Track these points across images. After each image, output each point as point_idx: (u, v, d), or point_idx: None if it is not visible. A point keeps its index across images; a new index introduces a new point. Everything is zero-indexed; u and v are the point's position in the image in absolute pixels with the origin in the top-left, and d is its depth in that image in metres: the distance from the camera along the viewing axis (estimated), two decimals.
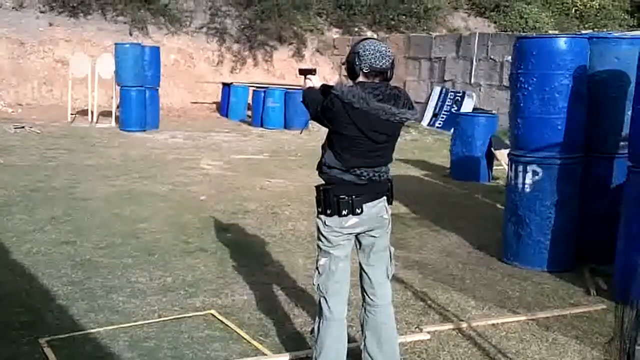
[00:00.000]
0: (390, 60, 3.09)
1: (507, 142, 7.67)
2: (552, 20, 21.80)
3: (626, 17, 23.69)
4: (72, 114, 14.94)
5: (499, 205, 7.38)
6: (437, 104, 16.31)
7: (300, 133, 3.71)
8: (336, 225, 3.13)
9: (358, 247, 3.29)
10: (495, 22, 22.17)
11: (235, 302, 4.46)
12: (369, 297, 3.29)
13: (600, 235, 5.36)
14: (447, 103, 16.08)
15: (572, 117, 5.27)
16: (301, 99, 3.30)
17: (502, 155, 8.74)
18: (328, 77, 17.77)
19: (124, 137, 12.79)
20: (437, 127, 15.73)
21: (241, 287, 4.76)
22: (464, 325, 4.19)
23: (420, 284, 4.97)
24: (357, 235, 3.22)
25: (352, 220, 3.12)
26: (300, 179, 8.86)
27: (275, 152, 11.72)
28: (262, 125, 15.20)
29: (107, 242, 5.75)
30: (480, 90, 15.64)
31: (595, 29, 19.20)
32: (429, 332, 4.04)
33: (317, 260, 3.24)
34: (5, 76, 16.79)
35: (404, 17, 21.14)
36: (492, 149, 9.51)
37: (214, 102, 18.25)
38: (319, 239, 3.20)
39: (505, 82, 14.08)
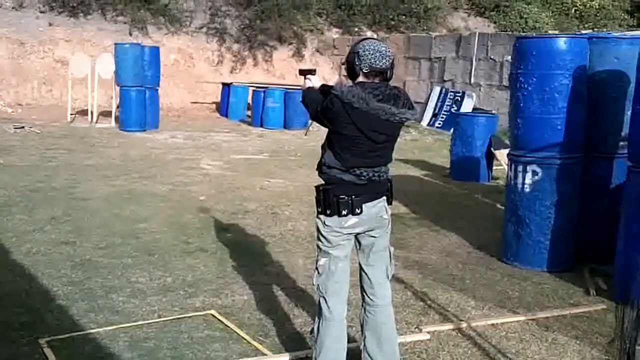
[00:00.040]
0: (390, 60, 3.09)
1: (507, 142, 7.67)
2: (552, 20, 21.80)
3: (626, 17, 23.70)
4: (72, 114, 14.94)
5: (498, 206, 7.38)
6: (437, 104, 16.31)
7: (306, 134, 3.65)
8: (336, 225, 3.13)
9: (358, 247, 3.29)
10: (495, 22, 22.18)
11: (235, 302, 4.46)
12: (368, 297, 3.29)
13: (600, 235, 5.37)
14: (446, 103, 16.07)
15: (571, 117, 5.27)
16: (301, 99, 3.30)
17: (502, 155, 8.74)
18: (328, 77, 17.77)
19: (123, 137, 12.79)
20: (437, 127, 15.73)
21: (241, 287, 4.76)
22: (463, 325, 4.19)
23: (420, 284, 4.97)
24: (356, 236, 3.22)
25: (352, 220, 3.12)
26: (300, 179, 8.86)
27: (275, 152, 11.72)
28: (262, 125, 15.20)
29: (107, 242, 5.75)
30: (480, 90, 15.64)
31: (595, 29, 19.20)
32: (428, 332, 4.04)
33: (317, 261, 3.24)
34: (5, 76, 16.79)
35: (403, 17, 21.14)
36: (492, 149, 9.51)
37: (214, 102, 18.25)
38: (319, 239, 3.20)
39: (505, 82, 14.08)
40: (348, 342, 3.31)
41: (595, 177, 5.55)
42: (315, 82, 3.32)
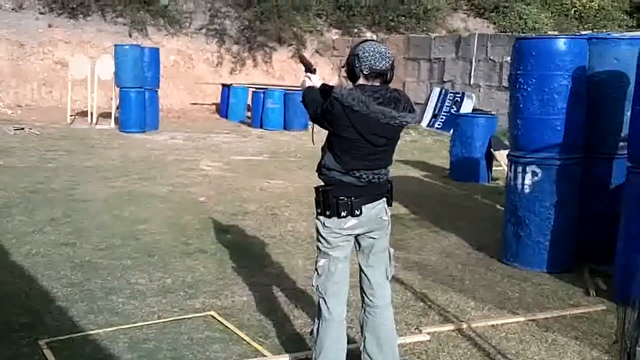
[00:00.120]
0: (390, 62, 3.08)
1: (507, 142, 7.67)
2: (551, 21, 21.81)
3: (625, 17, 23.70)
4: (71, 116, 14.94)
5: (498, 206, 7.38)
6: (436, 105, 16.31)
7: (314, 143, 3.57)
8: (335, 226, 3.12)
9: (357, 248, 3.28)
10: (494, 23, 22.18)
11: (235, 304, 4.46)
12: (368, 298, 3.29)
13: (599, 235, 5.36)
14: (446, 104, 16.08)
15: (571, 117, 5.28)
16: (300, 99, 3.30)
17: (502, 156, 8.74)
18: (327, 79, 17.77)
19: (123, 138, 12.79)
20: (437, 128, 15.73)
21: (241, 289, 4.75)
22: (463, 326, 4.19)
23: (419, 285, 4.97)
24: (356, 237, 3.22)
25: (351, 221, 3.11)
26: (300, 180, 8.86)
27: (274, 153, 11.73)
28: (261, 127, 15.20)
29: (106, 243, 5.75)
30: (479, 91, 15.65)
31: (595, 30, 19.20)
32: (428, 333, 4.04)
33: (316, 262, 3.24)
34: (4, 78, 16.79)
35: (403, 18, 21.15)
36: (492, 149, 9.52)
37: (214, 103, 18.26)
38: (318, 240, 3.20)
39: (505, 83, 14.08)
40: (348, 343, 3.31)
41: (595, 177, 5.55)
42: (315, 81, 3.31)
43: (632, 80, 4.90)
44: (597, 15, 23.41)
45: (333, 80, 18.03)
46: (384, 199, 3.23)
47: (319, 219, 3.17)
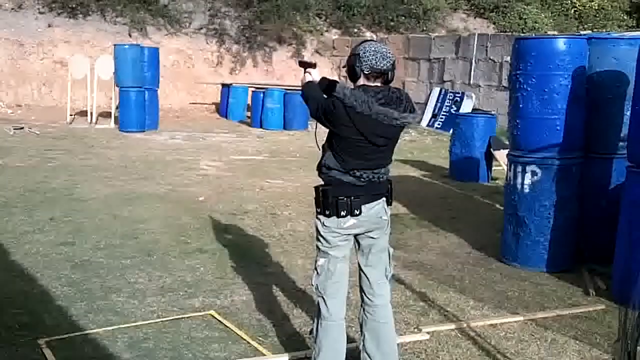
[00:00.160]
0: (391, 62, 3.07)
1: (506, 142, 7.68)
2: (551, 20, 21.80)
3: (625, 17, 23.69)
4: (71, 115, 14.95)
5: (498, 206, 7.39)
6: (436, 105, 16.31)
7: (318, 149, 3.52)
8: (335, 226, 3.12)
9: (357, 247, 3.28)
10: (494, 23, 22.18)
11: (235, 303, 4.46)
12: (367, 297, 3.29)
13: (599, 235, 5.36)
14: (446, 104, 16.08)
15: (571, 117, 5.27)
16: (300, 94, 3.29)
17: (501, 155, 8.74)
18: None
19: (123, 138, 12.79)
20: (437, 128, 15.73)
21: (240, 288, 4.75)
22: (463, 325, 4.19)
23: (419, 284, 4.97)
24: (356, 236, 3.22)
25: (351, 221, 3.11)
26: (299, 180, 8.86)
27: (274, 153, 11.73)
28: (261, 126, 15.20)
29: (106, 243, 5.75)
30: (479, 90, 15.65)
31: (594, 30, 19.21)
32: (428, 333, 4.04)
33: (316, 261, 3.24)
34: (4, 77, 16.80)
35: (403, 18, 21.15)
36: (491, 149, 9.52)
37: (213, 103, 18.26)
38: (318, 240, 3.20)
39: (505, 83, 14.09)
40: (347, 342, 3.31)
41: (595, 177, 5.55)
42: (315, 76, 3.31)
43: (631, 80, 4.90)
44: (597, 15, 23.41)
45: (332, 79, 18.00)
46: (384, 198, 3.23)
47: (318, 219, 3.17)
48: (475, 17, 22.69)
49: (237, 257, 5.45)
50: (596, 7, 23.41)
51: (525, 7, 21.88)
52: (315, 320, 3.25)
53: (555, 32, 17.31)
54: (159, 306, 4.35)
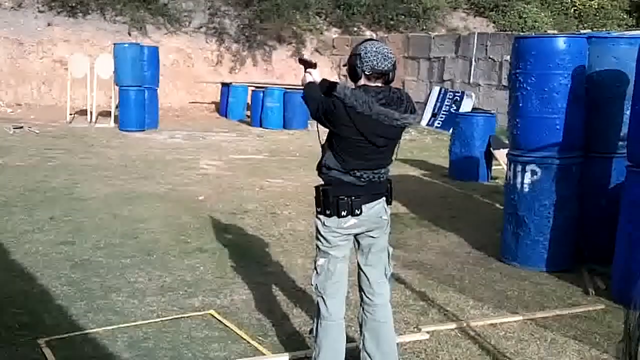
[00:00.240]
0: (392, 62, 3.06)
1: (506, 141, 7.68)
2: (551, 20, 21.79)
3: (625, 16, 23.68)
4: (71, 114, 14.94)
5: (498, 205, 7.38)
6: (436, 104, 16.30)
7: (320, 145, 3.49)
8: (335, 225, 3.12)
9: (357, 247, 3.28)
10: (494, 22, 22.17)
11: (234, 302, 4.46)
12: (367, 297, 3.29)
13: (599, 235, 5.36)
14: (446, 103, 16.07)
15: (570, 117, 5.27)
16: (301, 95, 3.29)
17: (501, 155, 8.74)
18: (327, 78, 17.75)
19: (122, 137, 12.79)
20: (436, 127, 15.73)
21: (240, 287, 4.76)
22: (462, 325, 4.19)
23: (419, 284, 4.97)
24: (355, 236, 3.22)
25: (351, 221, 3.11)
26: (299, 179, 8.86)
27: (274, 152, 11.73)
28: (261, 126, 15.19)
29: (105, 242, 5.75)
30: (479, 90, 15.65)
31: (594, 29, 19.21)
32: (427, 332, 4.04)
33: (316, 261, 3.24)
34: (4, 76, 16.79)
35: (403, 16, 21.13)
36: (491, 148, 9.52)
37: (213, 102, 18.25)
38: (318, 239, 3.20)
39: (504, 82, 14.07)
40: (347, 341, 3.31)
41: (594, 176, 5.55)
42: (316, 76, 3.31)
43: (631, 79, 4.90)
44: (597, 14, 23.40)
45: (332, 80, 18.01)
46: (384, 198, 3.22)
47: (318, 218, 3.17)
48: (475, 16, 22.68)
49: (237, 257, 5.45)
50: (596, 6, 23.40)
51: (525, 6, 21.87)
52: (315, 320, 3.25)
53: (555, 31, 17.31)
54: (159, 306, 4.35)
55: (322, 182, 3.17)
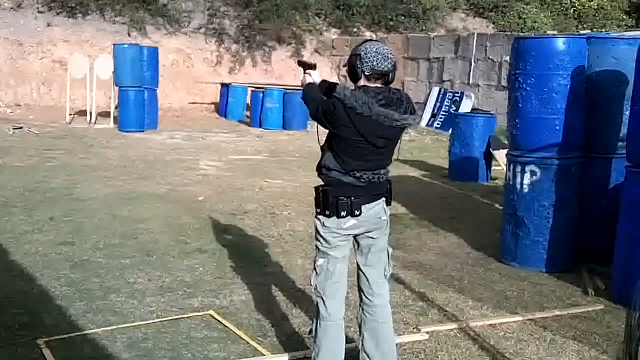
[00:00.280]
0: (393, 63, 3.06)
1: (506, 142, 7.68)
2: (550, 20, 21.81)
3: (624, 17, 23.70)
4: (70, 115, 14.95)
5: (497, 206, 7.39)
6: (435, 105, 16.32)
7: (320, 145, 3.46)
8: (335, 226, 3.12)
9: (356, 248, 3.28)
10: (494, 23, 22.19)
11: (234, 303, 4.46)
12: (366, 297, 3.29)
13: (598, 235, 5.37)
14: (445, 104, 16.08)
15: (570, 117, 5.28)
16: (301, 96, 3.29)
17: (501, 155, 8.75)
18: (327, 79, 17.76)
19: (122, 137, 12.79)
20: (436, 128, 15.74)
21: (240, 288, 4.75)
22: (462, 325, 4.19)
23: (418, 284, 4.97)
24: (355, 237, 3.22)
25: (351, 222, 3.11)
26: (299, 180, 8.86)
27: (273, 153, 11.73)
28: (260, 126, 15.20)
29: (105, 243, 5.75)
30: (479, 90, 15.65)
31: (594, 30, 19.22)
32: (427, 333, 4.04)
33: (315, 261, 3.24)
34: (3, 77, 16.80)
35: (402, 17, 21.15)
36: (491, 149, 9.52)
37: (213, 103, 18.26)
38: (318, 240, 3.20)
39: (504, 83, 14.09)
40: (346, 342, 3.31)
41: (594, 177, 5.55)
42: (315, 77, 3.31)
43: (631, 80, 4.90)
44: (597, 15, 23.42)
45: (332, 80, 18.02)
46: (384, 199, 3.22)
47: (318, 219, 3.16)
48: (474, 17, 22.70)
49: (237, 257, 5.45)
50: (596, 7, 23.42)
51: (525, 7, 21.89)
52: (315, 321, 3.25)
53: (555, 32, 17.31)
54: (159, 306, 4.35)
55: (322, 183, 3.18)
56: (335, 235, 3.13)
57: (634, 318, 2.55)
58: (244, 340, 3.86)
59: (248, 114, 16.44)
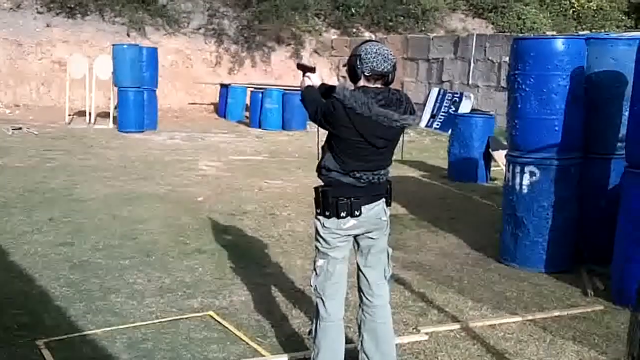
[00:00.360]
0: (392, 64, 3.06)
1: (505, 143, 7.69)
2: (549, 21, 21.82)
3: (623, 18, 23.72)
4: (69, 115, 14.94)
5: (497, 206, 7.39)
6: (434, 105, 16.32)
7: (318, 154, 3.44)
8: (335, 227, 3.12)
9: (356, 248, 3.28)
10: (493, 23, 22.20)
11: (233, 303, 4.46)
12: (366, 298, 3.29)
13: (597, 236, 5.37)
14: (444, 104, 16.08)
15: (569, 118, 5.28)
16: (300, 98, 3.29)
17: (500, 156, 8.75)
18: (325, 79, 17.73)
19: (121, 138, 12.78)
20: (435, 128, 15.74)
21: (239, 288, 4.75)
22: (462, 326, 4.19)
23: (418, 284, 4.97)
24: (355, 237, 3.22)
25: (351, 222, 3.11)
26: (298, 180, 8.87)
27: (273, 153, 11.73)
28: (260, 127, 15.20)
29: (105, 243, 5.75)
30: (478, 91, 15.66)
31: (593, 30, 19.23)
32: (426, 333, 4.04)
33: (315, 262, 3.24)
34: (2, 77, 16.79)
35: (402, 18, 21.16)
36: (490, 150, 9.52)
37: (212, 103, 18.26)
38: (317, 240, 3.20)
39: (503, 83, 14.10)
40: (346, 342, 3.31)
41: (593, 178, 5.55)
42: (315, 80, 3.31)
43: (630, 80, 4.91)
44: (595, 15, 23.44)
45: (331, 81, 18.01)
46: (383, 199, 3.23)
47: (318, 219, 3.17)
48: (473, 18, 22.71)
49: (236, 258, 5.45)
50: (594, 8, 23.44)
51: (524, 7, 21.90)
52: (314, 321, 3.25)
53: (554, 33, 17.32)
54: (158, 307, 4.35)
55: (322, 183, 3.18)
56: (335, 235, 3.13)
57: (635, 319, 2.55)
58: (243, 340, 3.86)
59: (247, 114, 16.44)
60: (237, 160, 10.80)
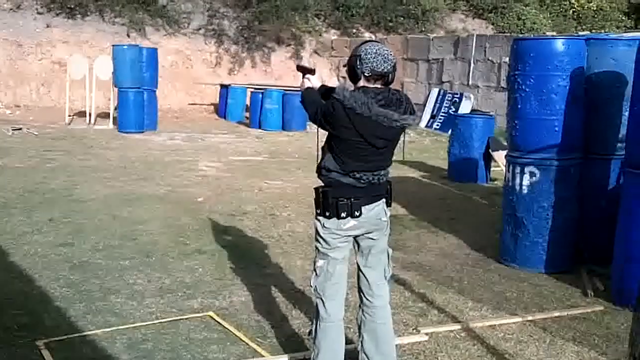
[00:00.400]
0: (392, 64, 3.06)
1: (505, 143, 7.69)
2: (549, 21, 21.83)
3: (623, 18, 23.73)
4: (69, 116, 14.94)
5: (497, 207, 7.38)
6: (434, 106, 16.32)
7: (317, 156, 3.47)
8: (335, 227, 3.12)
9: (356, 248, 3.28)
10: (493, 24, 22.21)
11: (233, 304, 4.46)
12: (366, 298, 3.29)
13: (598, 236, 5.37)
14: (444, 104, 16.08)
15: (569, 118, 5.28)
16: (300, 100, 3.30)
17: (500, 156, 8.75)
18: (325, 79, 17.72)
19: (121, 138, 12.78)
20: (435, 129, 15.74)
21: (239, 289, 4.75)
22: (462, 326, 4.19)
23: (418, 285, 4.97)
24: (355, 237, 3.22)
25: (351, 222, 3.11)
26: (298, 181, 8.87)
27: (273, 154, 11.73)
28: (260, 127, 15.20)
29: (105, 244, 5.75)
30: (478, 91, 15.66)
31: (593, 31, 19.23)
32: (426, 334, 4.04)
33: (315, 262, 3.24)
34: (2, 78, 16.79)
35: (402, 18, 21.17)
36: (490, 150, 9.53)
37: (212, 104, 18.26)
38: (317, 241, 3.20)
39: (503, 84, 14.10)
40: (346, 343, 3.31)
41: (593, 178, 5.55)
42: (314, 82, 3.31)
43: (629, 80, 4.91)
44: (595, 16, 23.45)
45: (331, 81, 18.00)
46: (383, 200, 3.23)
47: (318, 220, 3.17)
48: (473, 18, 22.72)
49: (236, 258, 5.45)
50: (594, 8, 23.44)
51: (524, 7, 21.91)
52: (314, 322, 3.25)
53: (554, 33, 17.33)
54: (158, 307, 4.35)
55: (322, 184, 3.18)
56: (335, 236, 3.13)
57: (635, 319, 2.55)
58: (243, 341, 3.86)
59: (247, 114, 16.43)
60: (237, 160, 10.80)
